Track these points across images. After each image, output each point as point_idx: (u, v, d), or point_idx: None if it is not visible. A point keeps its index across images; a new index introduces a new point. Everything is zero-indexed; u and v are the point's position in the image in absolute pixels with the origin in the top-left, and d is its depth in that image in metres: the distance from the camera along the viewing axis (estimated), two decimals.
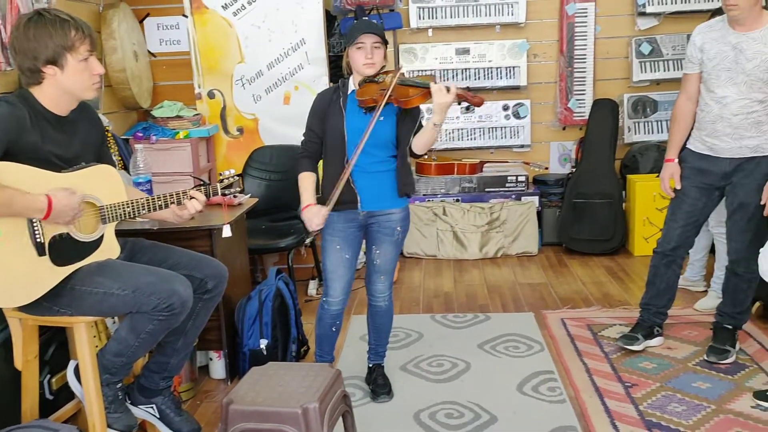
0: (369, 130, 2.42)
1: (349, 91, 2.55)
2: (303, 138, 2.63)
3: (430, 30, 4.91)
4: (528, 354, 3.14)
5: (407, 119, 2.55)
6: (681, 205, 2.91)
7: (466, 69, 4.91)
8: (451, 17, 4.85)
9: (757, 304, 3.33)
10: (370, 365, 2.85)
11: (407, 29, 4.88)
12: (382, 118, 2.47)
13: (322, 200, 2.56)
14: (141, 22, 4.31)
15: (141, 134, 3.98)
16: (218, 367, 3.02)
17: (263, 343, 2.92)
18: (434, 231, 4.71)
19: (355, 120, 2.50)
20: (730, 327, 3.00)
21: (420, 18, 4.85)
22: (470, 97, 2.41)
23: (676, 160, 2.93)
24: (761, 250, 2.51)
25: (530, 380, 2.88)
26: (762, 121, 2.68)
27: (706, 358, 2.96)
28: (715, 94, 2.73)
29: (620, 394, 2.73)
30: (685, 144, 2.93)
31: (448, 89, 2.36)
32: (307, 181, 2.57)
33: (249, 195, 3.28)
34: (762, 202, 2.69)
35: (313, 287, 4.06)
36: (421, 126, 2.57)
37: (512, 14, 4.81)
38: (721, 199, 2.89)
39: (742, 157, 2.74)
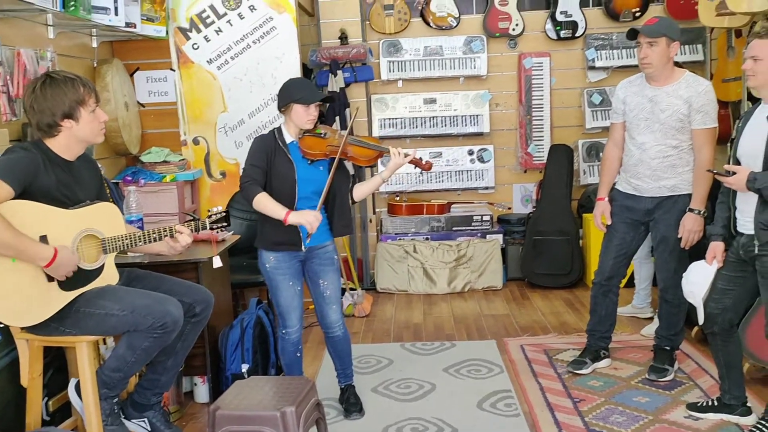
0: (329, 184, 2.75)
1: (288, 141, 2.86)
2: (244, 172, 2.83)
3: (399, 81, 5.32)
4: (488, 376, 3.42)
5: (343, 172, 2.91)
6: (612, 239, 3.27)
7: (433, 117, 5.31)
8: (419, 70, 5.28)
9: (696, 328, 3.67)
10: (342, 386, 3.12)
11: (378, 81, 5.29)
12: (321, 168, 2.82)
13: (265, 242, 2.84)
14: (131, 75, 4.65)
15: (130, 178, 4.27)
16: (202, 391, 3.26)
17: (244, 368, 3.17)
18: (405, 267, 5.02)
19: (303, 170, 2.83)
20: (668, 348, 3.32)
21: (390, 71, 5.27)
22: (422, 164, 2.83)
23: (607, 199, 3.31)
24: (683, 275, 2.85)
25: (489, 398, 3.16)
26: (677, 164, 3.06)
27: (647, 376, 3.28)
28: (636, 140, 3.12)
29: (569, 408, 3.03)
30: (614, 185, 3.31)
31: (405, 155, 2.77)
32: (268, 198, 2.72)
33: (232, 232, 3.57)
34: (679, 236, 3.06)
35: None
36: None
37: (475, 67, 5.25)
38: (647, 233, 3.25)
39: (661, 196, 3.11)
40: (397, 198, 5.30)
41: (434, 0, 5.22)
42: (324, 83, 4.96)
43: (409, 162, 2.84)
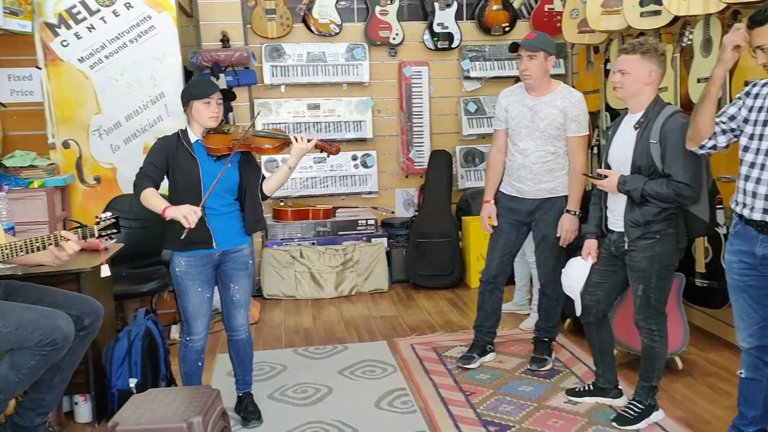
0: (222, 172, 2.69)
1: (192, 141, 2.81)
2: (140, 170, 2.76)
3: (283, 86, 5.29)
4: (383, 376, 3.50)
5: (250, 167, 2.88)
6: (498, 240, 3.47)
7: (317, 122, 5.33)
8: (303, 75, 5.29)
9: (568, 320, 3.97)
10: (240, 394, 3.05)
11: (261, 85, 5.23)
12: (230, 165, 2.77)
13: (174, 243, 2.71)
14: None
15: None
16: (84, 410, 3.05)
17: (132, 382, 3.01)
18: (292, 273, 4.99)
19: (208, 167, 2.77)
20: (546, 339, 3.57)
21: (273, 75, 5.23)
22: (328, 147, 2.83)
23: (492, 201, 3.51)
24: (562, 271, 3.09)
25: (386, 397, 3.23)
26: (555, 168, 3.32)
27: (529, 366, 3.50)
28: (518, 146, 3.35)
29: (461, 401, 3.17)
30: (498, 187, 3.52)
31: (308, 140, 2.76)
32: (153, 193, 2.66)
33: (114, 240, 3.38)
34: (558, 235, 3.31)
35: (175, 331, 4.16)
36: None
37: (357, 74, 5.34)
38: (529, 232, 3.49)
39: (541, 198, 3.35)
40: (282, 203, 5.26)
41: (316, 6, 5.25)
42: None
43: (315, 147, 2.84)
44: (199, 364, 2.88)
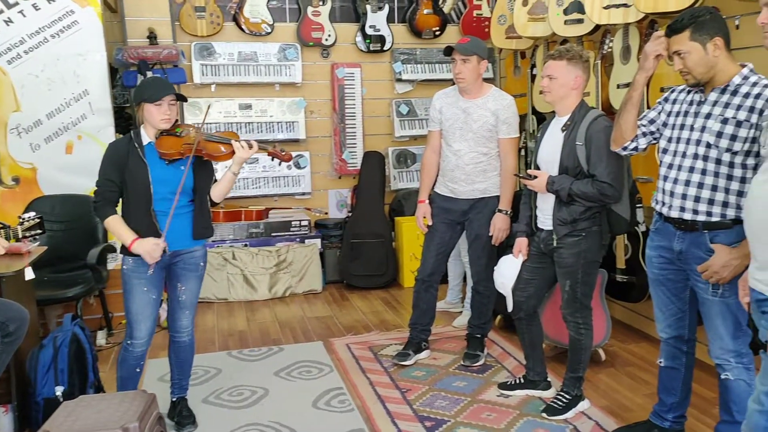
0: (183, 182, 2.65)
1: (145, 143, 2.75)
2: (98, 188, 2.70)
3: (213, 86, 5.21)
4: (319, 376, 3.50)
5: (204, 169, 2.83)
6: (433, 239, 3.54)
7: (249, 123, 5.28)
8: (234, 75, 5.21)
9: (499, 317, 4.09)
10: (174, 399, 2.99)
11: (191, 84, 5.12)
12: (182, 168, 2.71)
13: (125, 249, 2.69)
14: None
15: None
16: (5, 422, 2.90)
17: (59, 390, 2.89)
18: (225, 275, 4.91)
19: (159, 171, 2.70)
20: (479, 336, 3.67)
21: (203, 74, 5.14)
22: (279, 154, 2.81)
23: (427, 201, 3.58)
24: (494, 268, 3.19)
25: (323, 397, 3.24)
26: (487, 169, 3.42)
27: (462, 362, 3.59)
28: (452, 147, 3.44)
29: (398, 398, 3.21)
30: (433, 188, 3.60)
31: (250, 145, 2.72)
32: (119, 222, 2.66)
33: (38, 242, 3.24)
34: (490, 234, 3.42)
35: (102, 337, 4.02)
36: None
37: (290, 75, 5.32)
38: (462, 232, 3.58)
39: (474, 198, 3.45)
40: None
41: (248, 5, 5.20)
42: (132, 84, 4.67)
43: (268, 154, 2.82)
44: (138, 370, 2.79)
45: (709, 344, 2.38)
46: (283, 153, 2.84)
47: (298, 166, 5.40)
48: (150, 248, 2.60)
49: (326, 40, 5.36)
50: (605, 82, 3.83)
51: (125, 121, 4.86)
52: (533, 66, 4.62)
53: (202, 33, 5.13)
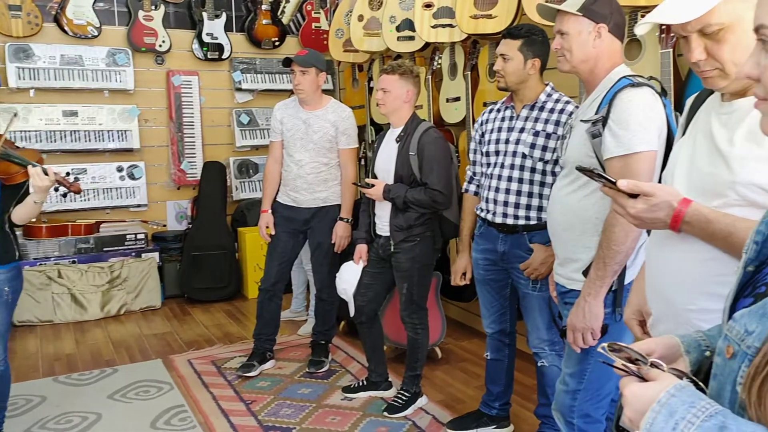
0: None
1: None
2: None
3: (32, 90, 4.82)
4: (158, 395, 3.36)
5: (7, 190, 2.59)
6: (276, 248, 3.56)
7: (75, 131, 4.94)
8: (56, 80, 4.86)
9: (343, 322, 4.19)
10: None
11: (5, 88, 4.70)
12: None
13: None
14: None
15: None
16: None
17: None
18: (49, 295, 4.54)
19: None
20: (323, 342, 3.73)
21: (20, 78, 4.74)
22: (68, 184, 2.62)
23: (270, 211, 3.59)
24: (336, 275, 3.27)
25: (162, 416, 3.11)
26: (328, 178, 3.51)
27: (307, 369, 3.63)
28: (294, 157, 3.48)
29: (242, 410, 3.18)
30: (275, 197, 3.62)
31: (45, 173, 2.46)
32: None
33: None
34: (332, 241, 3.50)
35: None
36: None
37: (121, 81, 5.06)
38: (305, 240, 3.63)
39: (316, 206, 3.52)
40: (34, 219, 4.75)
41: (71, 6, 4.88)
42: None
43: (56, 181, 2.60)
44: None
45: (527, 335, 2.64)
46: (73, 183, 2.66)
47: (132, 176, 5.14)
48: None
49: (160, 46, 5.16)
50: (436, 96, 4.08)
51: None
52: (371, 79, 4.79)
53: (17, 33, 4.73)
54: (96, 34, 4.98)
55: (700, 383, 0.85)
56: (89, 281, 4.66)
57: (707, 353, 0.93)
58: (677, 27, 1.29)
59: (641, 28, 1.41)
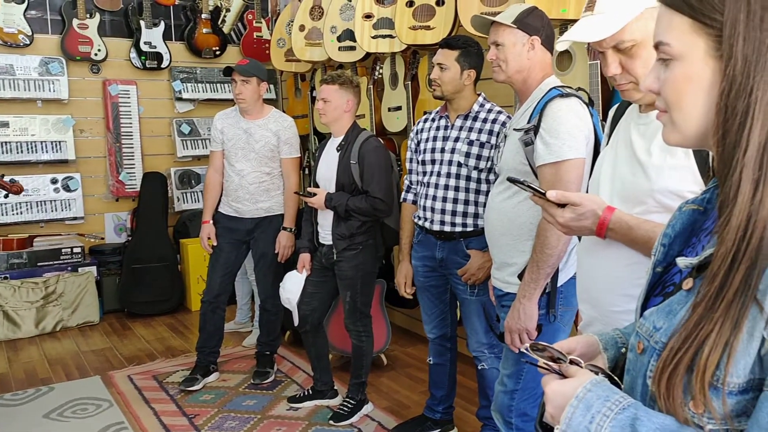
0: None
1: None
2: None
3: None
4: (97, 413, 3.27)
5: None
6: (218, 259, 3.52)
7: (6, 142, 4.77)
8: None
9: (288, 332, 4.17)
10: None
11: None
12: None
13: None
14: None
15: None
16: None
17: None
18: None
19: None
20: (268, 353, 3.71)
21: None
22: (8, 186, 2.55)
23: (211, 222, 3.56)
24: (280, 285, 3.26)
25: None
26: (270, 188, 3.50)
27: (252, 381, 3.60)
28: (235, 167, 3.46)
29: (185, 425, 3.12)
30: (217, 208, 3.58)
31: None
32: None
33: None
34: (276, 251, 3.49)
35: None
36: None
37: (54, 91, 4.91)
38: (248, 251, 3.61)
39: (259, 216, 3.51)
40: None
41: (0, 14, 4.71)
42: None
43: None
44: None
45: (467, 339, 2.69)
46: (13, 184, 2.61)
47: (67, 188, 4.99)
48: None
49: (96, 54, 5.05)
50: (378, 106, 4.13)
51: None
52: (313, 88, 4.81)
53: None
54: (28, 42, 4.82)
55: (616, 378, 0.90)
56: (22, 297, 4.49)
57: (623, 350, 0.98)
58: (594, 44, 1.36)
59: (561, 45, 1.48)
